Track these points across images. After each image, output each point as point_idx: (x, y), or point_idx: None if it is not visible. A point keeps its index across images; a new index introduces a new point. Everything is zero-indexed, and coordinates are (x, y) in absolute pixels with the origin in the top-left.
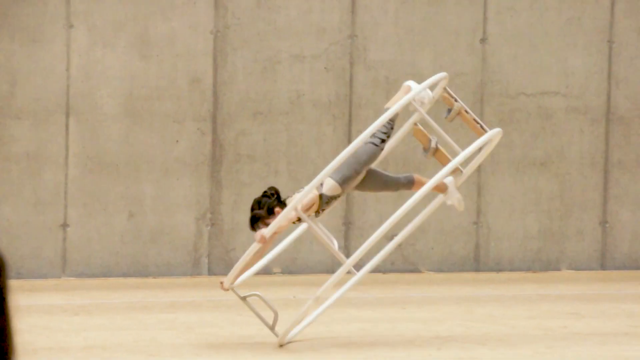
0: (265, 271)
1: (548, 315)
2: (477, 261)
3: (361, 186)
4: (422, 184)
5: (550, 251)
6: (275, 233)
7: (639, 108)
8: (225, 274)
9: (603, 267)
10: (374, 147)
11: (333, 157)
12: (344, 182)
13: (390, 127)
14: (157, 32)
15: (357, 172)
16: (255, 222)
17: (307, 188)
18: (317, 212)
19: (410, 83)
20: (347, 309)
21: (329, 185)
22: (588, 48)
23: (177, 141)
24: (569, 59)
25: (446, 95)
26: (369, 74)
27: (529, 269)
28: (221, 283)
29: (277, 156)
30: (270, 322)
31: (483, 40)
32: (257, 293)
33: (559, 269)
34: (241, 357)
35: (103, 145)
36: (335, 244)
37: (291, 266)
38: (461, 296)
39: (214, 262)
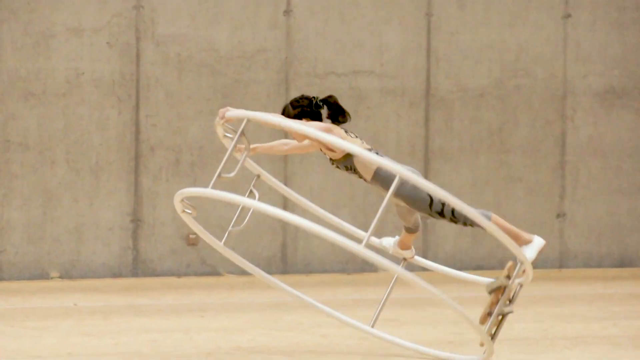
0: (42, 276)
1: (366, 322)
2: (285, 262)
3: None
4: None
5: None
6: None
7: (461, 89)
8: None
9: None
10: (427, 203)
11: (118, 145)
12: (380, 179)
13: (461, 220)
14: None
15: (389, 188)
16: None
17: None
18: (333, 162)
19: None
20: (136, 318)
21: (369, 162)
22: (404, 22)
23: None
24: (384, 34)
25: None
26: (158, 49)
27: (342, 271)
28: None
29: (54, 144)
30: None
31: (287, 13)
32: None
33: (375, 271)
34: None
35: None
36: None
37: (71, 270)
38: (266, 302)
39: None
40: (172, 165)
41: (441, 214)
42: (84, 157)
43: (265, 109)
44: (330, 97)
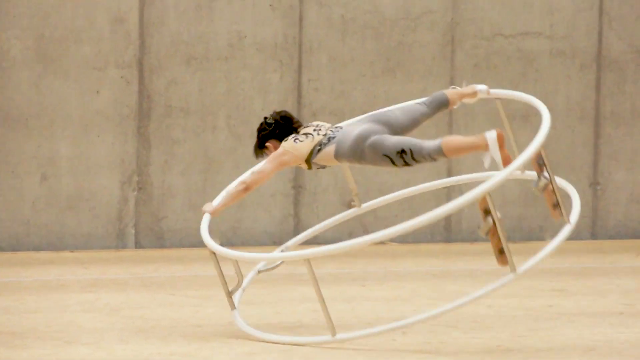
0: (203, 244)
1: (530, 293)
2: (449, 230)
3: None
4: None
5: (532, 218)
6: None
7: (636, 51)
8: (155, 247)
9: (593, 236)
10: (389, 163)
11: (280, 109)
12: (343, 157)
13: (422, 160)
14: None
15: (357, 162)
16: (255, 151)
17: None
18: (310, 167)
19: (490, 137)
20: (296, 287)
21: (326, 153)
22: None
23: (98, 91)
24: None
25: (538, 158)
26: (321, 11)
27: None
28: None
29: (215, 108)
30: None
31: None
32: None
33: (542, 239)
34: (173, 343)
35: (10, 95)
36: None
37: (232, 237)
38: (430, 270)
39: (142, 234)
40: None
41: (406, 163)
42: (245, 123)
43: (430, 72)
44: (279, 113)
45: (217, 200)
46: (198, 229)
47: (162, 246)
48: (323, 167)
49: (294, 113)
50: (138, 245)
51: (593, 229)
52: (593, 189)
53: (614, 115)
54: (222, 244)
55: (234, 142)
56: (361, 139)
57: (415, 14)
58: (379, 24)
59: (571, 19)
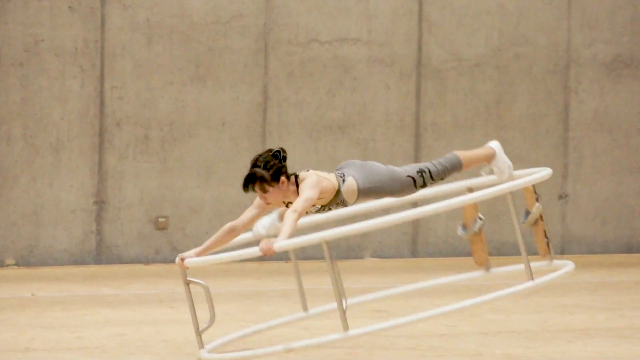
0: None
1: (350, 314)
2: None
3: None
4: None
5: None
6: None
7: (456, 59)
8: None
9: (413, 254)
10: (411, 185)
11: (81, 119)
12: (364, 192)
13: (439, 179)
14: None
15: (376, 194)
16: (253, 182)
17: (322, 173)
18: (323, 208)
19: (495, 146)
20: (100, 309)
21: (350, 185)
22: None
23: None
24: None
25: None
26: (125, 14)
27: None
28: (181, 260)
29: (10, 118)
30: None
31: None
32: (204, 284)
33: (361, 257)
34: None
35: None
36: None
37: (28, 257)
38: (242, 291)
39: None
40: (140, 142)
41: (424, 184)
42: (43, 133)
43: (242, 80)
44: (283, 149)
45: (281, 239)
46: None
47: None
48: (343, 203)
49: (96, 123)
50: None
51: (413, 247)
52: (413, 204)
53: (434, 126)
54: (17, 264)
55: (31, 154)
56: (376, 167)
57: (226, 18)
58: (187, 28)
59: (390, 24)
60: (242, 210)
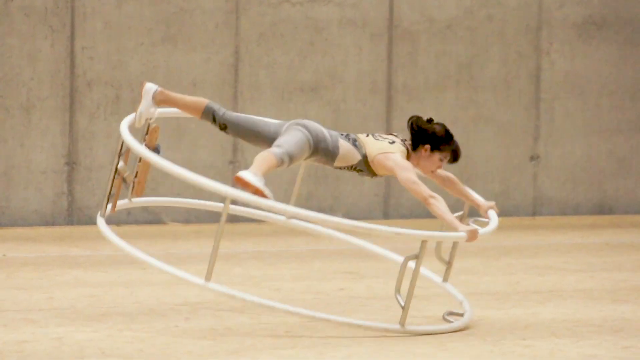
0: None
1: (320, 276)
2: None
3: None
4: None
5: (322, 196)
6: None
7: (427, 20)
8: None
9: (385, 215)
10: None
11: (51, 80)
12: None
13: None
14: None
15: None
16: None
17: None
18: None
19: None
20: (71, 270)
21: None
22: None
23: None
24: None
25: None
26: None
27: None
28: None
29: None
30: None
31: None
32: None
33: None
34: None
35: None
36: None
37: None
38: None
39: None
40: (110, 102)
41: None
42: (13, 94)
43: (213, 41)
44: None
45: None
46: None
47: None
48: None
49: (66, 83)
50: None
51: (385, 209)
52: None
53: (406, 88)
54: None
55: (1, 115)
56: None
57: None
58: None
59: None
60: (213, 172)
